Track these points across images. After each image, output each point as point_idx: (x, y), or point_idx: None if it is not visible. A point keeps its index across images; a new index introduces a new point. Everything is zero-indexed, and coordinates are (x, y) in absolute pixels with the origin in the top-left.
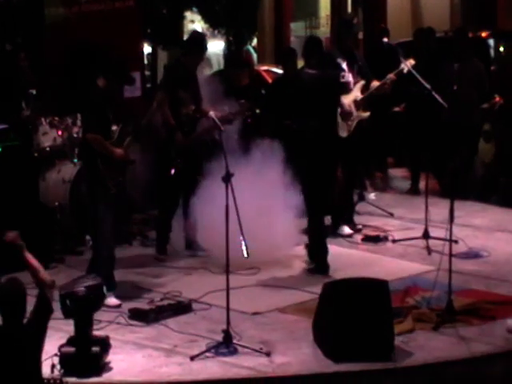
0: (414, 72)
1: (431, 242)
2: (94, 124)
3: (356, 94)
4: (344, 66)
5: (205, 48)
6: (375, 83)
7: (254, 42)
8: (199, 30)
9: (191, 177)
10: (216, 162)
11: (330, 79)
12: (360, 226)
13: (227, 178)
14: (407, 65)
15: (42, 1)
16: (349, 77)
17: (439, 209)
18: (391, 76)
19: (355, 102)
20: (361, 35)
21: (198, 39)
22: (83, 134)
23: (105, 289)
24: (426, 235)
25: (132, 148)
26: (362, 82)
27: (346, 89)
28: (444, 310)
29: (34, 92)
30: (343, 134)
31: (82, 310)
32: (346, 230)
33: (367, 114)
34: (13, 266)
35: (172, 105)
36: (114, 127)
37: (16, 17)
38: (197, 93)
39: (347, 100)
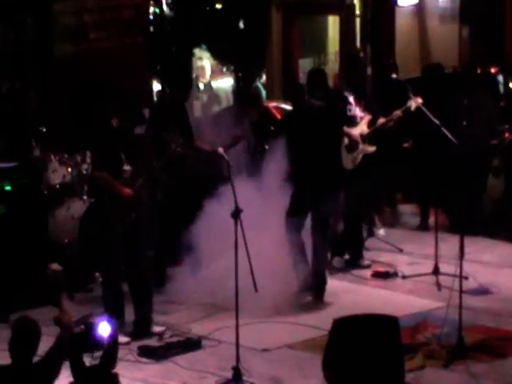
0: (423, 108)
1: (441, 277)
2: (102, 162)
3: (362, 127)
4: (351, 99)
5: (189, 82)
6: (381, 120)
7: (263, 78)
8: (208, 66)
9: (186, 214)
10: (221, 196)
11: (334, 110)
12: (369, 262)
13: (236, 214)
14: (417, 101)
15: (50, 38)
16: (355, 110)
17: (449, 244)
18: (397, 113)
19: (361, 135)
20: (369, 71)
21: (182, 74)
22: (92, 171)
23: (111, 326)
24: (435, 271)
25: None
26: (369, 117)
27: (352, 122)
28: (454, 347)
29: (44, 129)
30: (348, 166)
31: (76, 348)
32: (339, 263)
33: (373, 148)
34: (26, 302)
35: (158, 144)
36: (127, 167)
37: (25, 54)
38: (186, 128)
39: (355, 132)
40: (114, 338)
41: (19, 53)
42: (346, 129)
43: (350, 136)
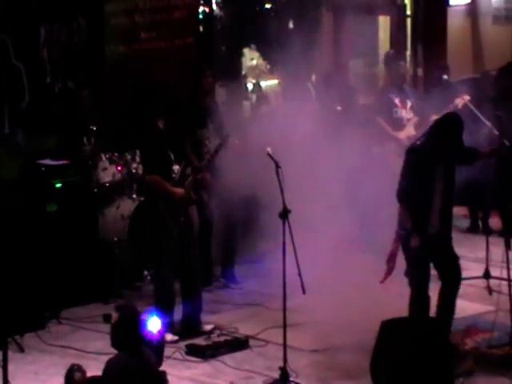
0: (473, 109)
1: (492, 281)
2: (153, 165)
3: (409, 129)
4: (396, 101)
5: (208, 77)
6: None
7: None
8: (257, 66)
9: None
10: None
11: None
12: None
13: (284, 215)
14: (464, 99)
15: (102, 38)
16: (401, 112)
17: (500, 248)
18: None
19: (408, 138)
20: (421, 72)
21: (198, 72)
22: (143, 173)
23: (160, 323)
24: (486, 275)
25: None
26: (416, 119)
27: (398, 124)
28: (504, 351)
29: (95, 128)
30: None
31: None
32: None
33: None
34: (76, 299)
35: (194, 145)
36: (176, 167)
37: (78, 54)
38: (219, 126)
39: (402, 135)
40: (162, 335)
41: (72, 53)
42: (392, 132)
43: (397, 140)
